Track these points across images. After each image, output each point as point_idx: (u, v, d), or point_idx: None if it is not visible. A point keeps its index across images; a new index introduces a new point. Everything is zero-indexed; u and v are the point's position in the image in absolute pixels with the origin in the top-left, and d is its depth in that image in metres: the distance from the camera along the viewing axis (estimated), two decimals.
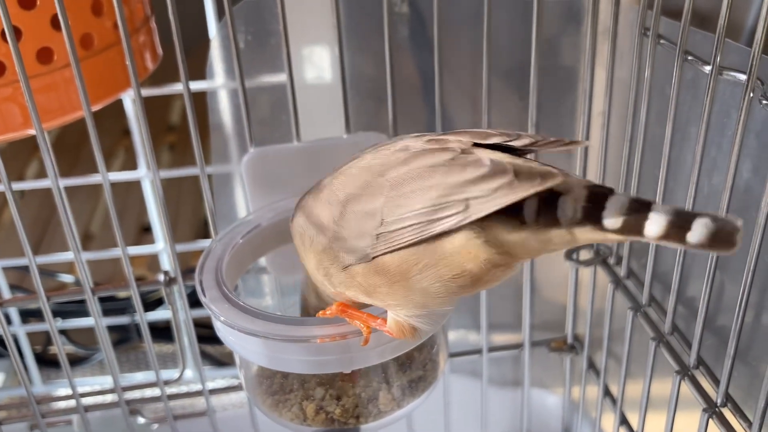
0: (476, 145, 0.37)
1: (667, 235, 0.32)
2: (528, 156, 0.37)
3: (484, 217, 0.34)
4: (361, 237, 0.37)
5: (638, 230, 0.32)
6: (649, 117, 0.48)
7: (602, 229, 0.33)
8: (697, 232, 0.31)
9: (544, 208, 0.34)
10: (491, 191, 0.34)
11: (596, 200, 0.34)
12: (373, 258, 0.37)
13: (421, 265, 0.36)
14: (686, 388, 0.46)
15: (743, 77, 0.39)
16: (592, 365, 0.62)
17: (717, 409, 0.44)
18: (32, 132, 0.47)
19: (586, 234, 0.34)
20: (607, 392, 0.60)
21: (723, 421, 0.44)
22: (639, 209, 0.33)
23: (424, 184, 0.36)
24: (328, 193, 0.40)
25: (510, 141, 0.36)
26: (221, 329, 0.46)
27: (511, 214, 0.34)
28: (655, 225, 0.32)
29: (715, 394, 0.44)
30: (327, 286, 0.42)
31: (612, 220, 0.33)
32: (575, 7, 0.58)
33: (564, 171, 0.34)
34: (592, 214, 0.33)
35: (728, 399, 0.44)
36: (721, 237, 0.31)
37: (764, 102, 0.39)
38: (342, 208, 0.39)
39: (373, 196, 0.37)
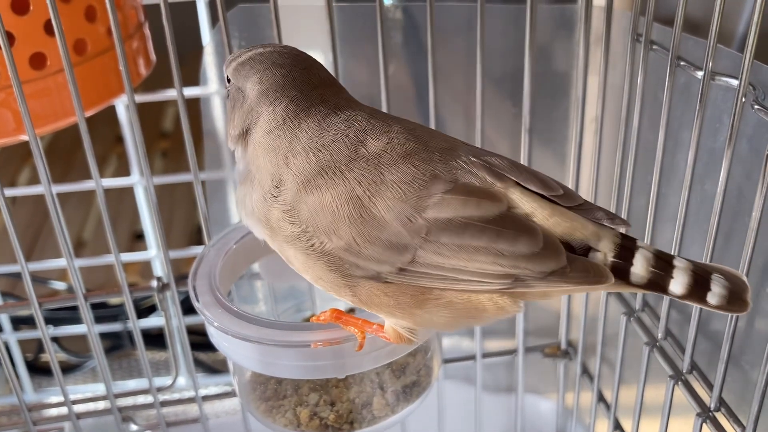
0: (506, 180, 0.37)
1: (689, 295, 0.35)
2: (561, 199, 0.37)
3: None
4: (382, 263, 0.36)
5: (663, 288, 0.35)
6: (642, 122, 0.48)
7: (629, 284, 0.35)
8: (716, 293, 0.35)
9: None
10: (543, 274, 0.35)
11: (624, 255, 0.35)
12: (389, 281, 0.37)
13: (441, 302, 0.37)
14: (680, 392, 0.47)
15: (735, 82, 0.39)
16: (585, 371, 0.62)
17: (711, 414, 0.44)
18: (25, 138, 0.47)
19: (610, 286, 0.35)
20: (600, 398, 0.60)
21: (717, 426, 0.44)
22: (663, 266, 0.35)
23: (470, 243, 0.35)
24: (340, 191, 0.36)
25: (554, 195, 0.37)
26: (215, 335, 0.45)
27: None
28: (678, 285, 0.35)
29: (709, 399, 0.44)
30: (315, 282, 0.40)
31: (639, 277, 0.35)
32: (568, 14, 0.58)
33: (598, 222, 0.36)
34: (620, 270, 0.35)
35: (722, 403, 0.44)
36: (735, 298, 0.35)
37: (756, 107, 0.39)
38: (361, 227, 0.36)
39: (407, 230, 0.35)
